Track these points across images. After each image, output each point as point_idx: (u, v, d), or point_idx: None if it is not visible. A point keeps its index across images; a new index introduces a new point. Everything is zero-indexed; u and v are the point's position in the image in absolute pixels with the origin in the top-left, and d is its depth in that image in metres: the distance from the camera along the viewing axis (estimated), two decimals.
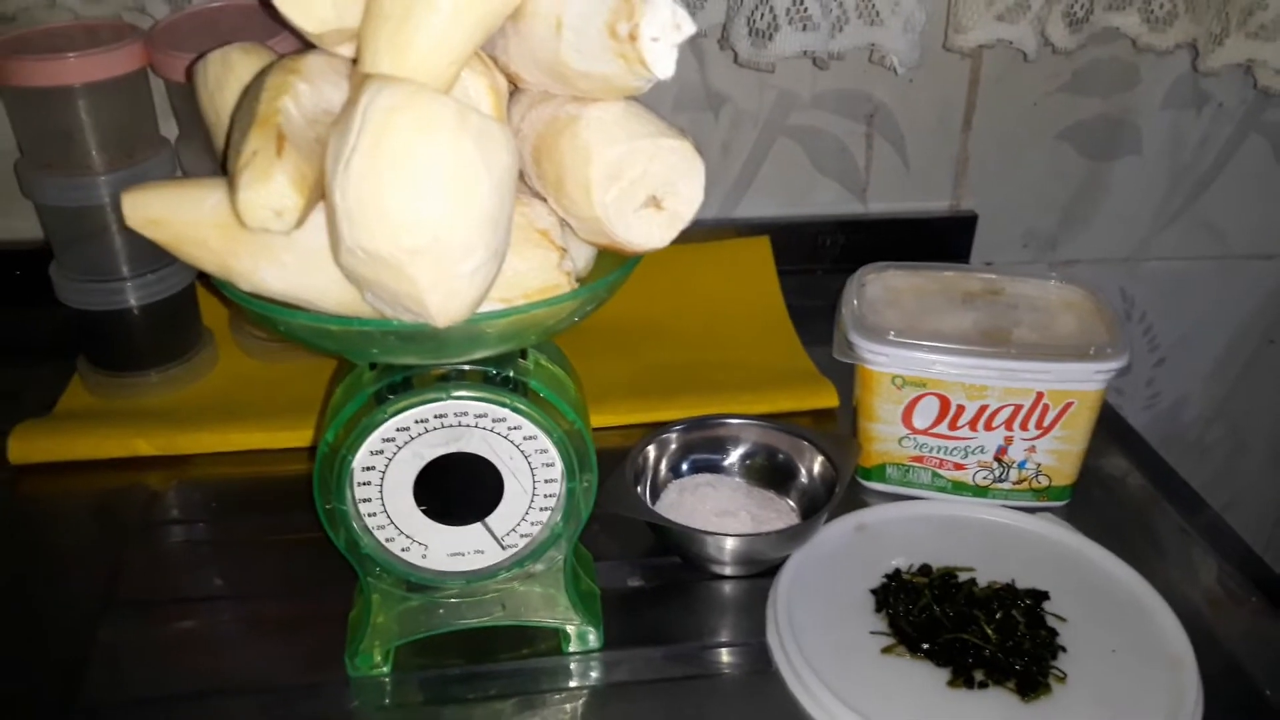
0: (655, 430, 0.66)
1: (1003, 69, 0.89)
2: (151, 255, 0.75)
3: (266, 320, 0.45)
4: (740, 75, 0.85)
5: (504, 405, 0.50)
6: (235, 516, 0.68)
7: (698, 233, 0.49)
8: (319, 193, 0.41)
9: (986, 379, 0.63)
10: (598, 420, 0.56)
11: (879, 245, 0.94)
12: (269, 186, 0.39)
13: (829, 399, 0.76)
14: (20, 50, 0.69)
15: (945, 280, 0.71)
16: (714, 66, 0.86)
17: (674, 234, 0.45)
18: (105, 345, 0.78)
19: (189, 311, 0.81)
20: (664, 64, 0.40)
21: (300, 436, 0.72)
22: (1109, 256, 0.99)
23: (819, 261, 0.94)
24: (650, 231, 0.45)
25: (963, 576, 0.59)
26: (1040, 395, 0.63)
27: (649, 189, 0.45)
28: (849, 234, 0.94)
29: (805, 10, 0.74)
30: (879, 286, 0.70)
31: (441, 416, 0.50)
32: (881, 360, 0.64)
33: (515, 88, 0.48)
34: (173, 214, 0.44)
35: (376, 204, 0.38)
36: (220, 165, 0.49)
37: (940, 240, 0.96)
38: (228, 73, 0.49)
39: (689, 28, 0.39)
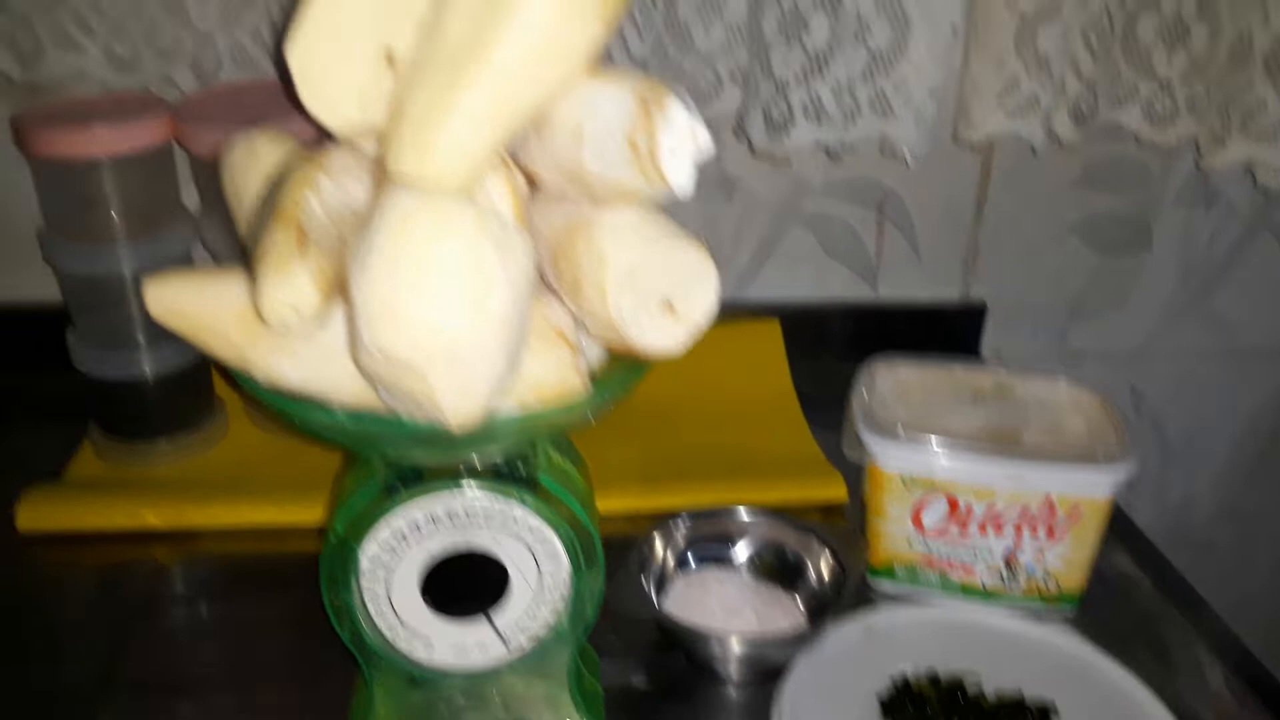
0: (662, 521, 0.66)
1: (1014, 162, 0.90)
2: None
3: (282, 415, 0.45)
4: (753, 161, 0.87)
5: (514, 501, 0.50)
6: (241, 595, 0.68)
7: None
8: (339, 290, 0.42)
9: (995, 481, 0.63)
10: (603, 505, 0.55)
11: (889, 331, 0.95)
12: (290, 284, 0.40)
13: (838, 491, 0.76)
14: (49, 120, 0.71)
15: (955, 377, 0.71)
16: (728, 151, 0.87)
17: (687, 339, 0.46)
18: (118, 413, 0.79)
19: (203, 381, 0.82)
20: (681, 178, 0.40)
21: (308, 512, 0.72)
22: (1118, 349, 1.00)
23: (829, 346, 0.94)
24: (664, 336, 0.46)
25: (971, 688, 0.59)
26: (1049, 499, 0.63)
27: (663, 294, 0.45)
28: (859, 320, 0.94)
29: (820, 103, 0.75)
30: (889, 380, 0.71)
31: (452, 512, 0.50)
32: (891, 459, 0.64)
33: (534, 185, 0.49)
34: (193, 305, 0.45)
35: (395, 306, 0.39)
36: (241, 249, 0.49)
37: (950, 328, 0.96)
38: (252, 158, 0.50)
39: (707, 145, 0.40)
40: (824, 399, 0.86)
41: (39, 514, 0.72)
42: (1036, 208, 0.93)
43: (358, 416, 0.44)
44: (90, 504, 0.73)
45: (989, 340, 0.97)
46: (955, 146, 0.87)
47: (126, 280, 0.74)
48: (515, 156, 0.47)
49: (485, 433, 0.45)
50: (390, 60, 0.43)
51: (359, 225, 0.43)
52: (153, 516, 0.72)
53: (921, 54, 0.76)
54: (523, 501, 0.50)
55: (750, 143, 0.79)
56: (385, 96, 0.43)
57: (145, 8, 0.75)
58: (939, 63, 0.77)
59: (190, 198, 0.79)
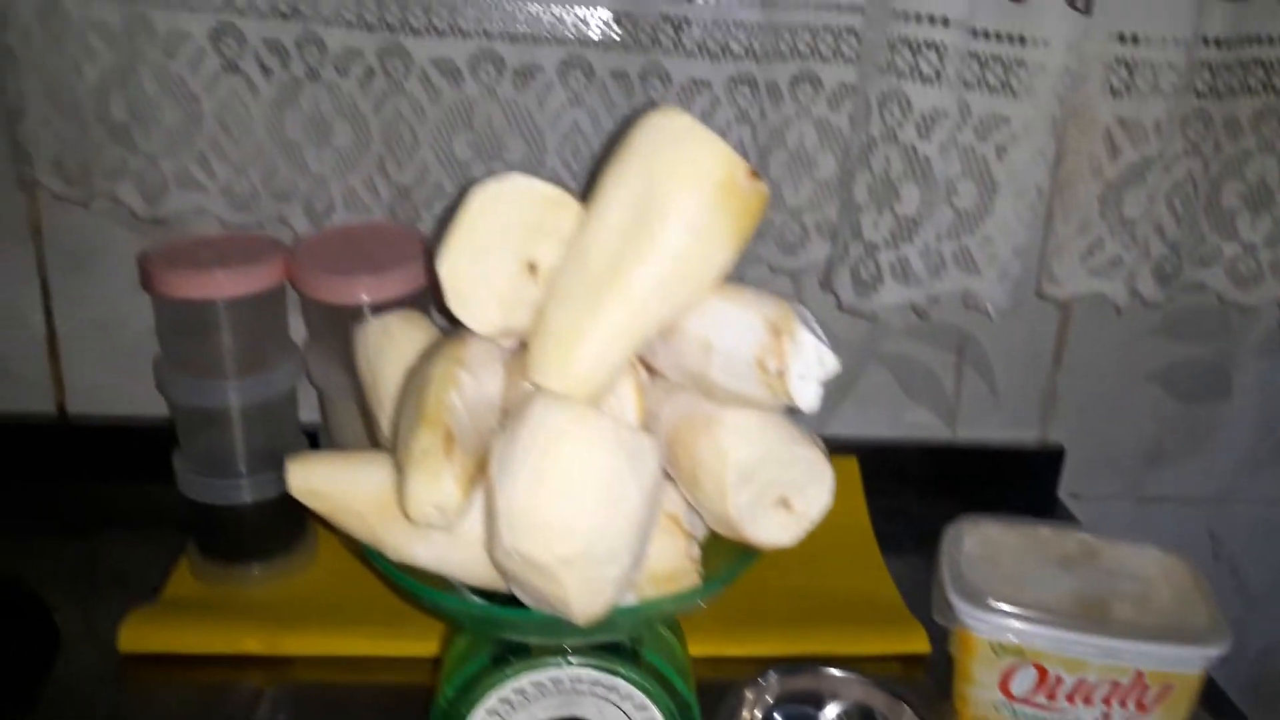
0: (750, 679, 0.67)
1: (1094, 311, 0.92)
2: (269, 456, 0.79)
3: (411, 596, 0.47)
4: (831, 300, 0.88)
5: (618, 675, 0.51)
6: None
7: None
8: (478, 484, 0.44)
9: (1086, 655, 0.63)
10: None
11: (967, 473, 0.95)
12: (437, 487, 0.42)
13: (919, 644, 0.76)
14: (171, 261, 0.74)
15: (1042, 539, 0.72)
16: (809, 295, 0.89)
17: (801, 534, 0.47)
18: (216, 536, 0.81)
19: (298, 508, 0.84)
20: (808, 399, 0.42)
21: (398, 645, 0.74)
22: (1197, 496, 1.00)
23: (907, 485, 0.95)
24: (778, 531, 0.47)
25: None
26: (1140, 675, 0.63)
27: (780, 491, 0.47)
28: (937, 460, 0.95)
29: (908, 264, 0.77)
30: (976, 540, 0.71)
31: (558, 682, 0.51)
32: (981, 626, 0.64)
33: (653, 373, 0.51)
34: (333, 487, 0.47)
35: (536, 513, 0.41)
36: (364, 416, 0.52)
37: (1027, 470, 0.97)
38: (387, 340, 0.53)
39: (833, 366, 0.42)
40: (901, 539, 0.87)
41: (141, 636, 0.74)
42: (1115, 354, 0.94)
43: (487, 607, 0.46)
44: (190, 627, 0.75)
45: (1066, 483, 0.97)
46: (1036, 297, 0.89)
47: (233, 413, 0.77)
48: (640, 354, 0.49)
49: (604, 624, 0.46)
50: (533, 270, 0.45)
51: (495, 416, 0.45)
52: (251, 642, 0.74)
53: (1007, 214, 0.78)
54: (626, 676, 0.51)
55: (838, 299, 0.81)
56: (525, 303, 0.46)
57: (265, 152, 0.80)
58: (1024, 223, 0.79)
59: (298, 332, 0.82)
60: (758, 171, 0.42)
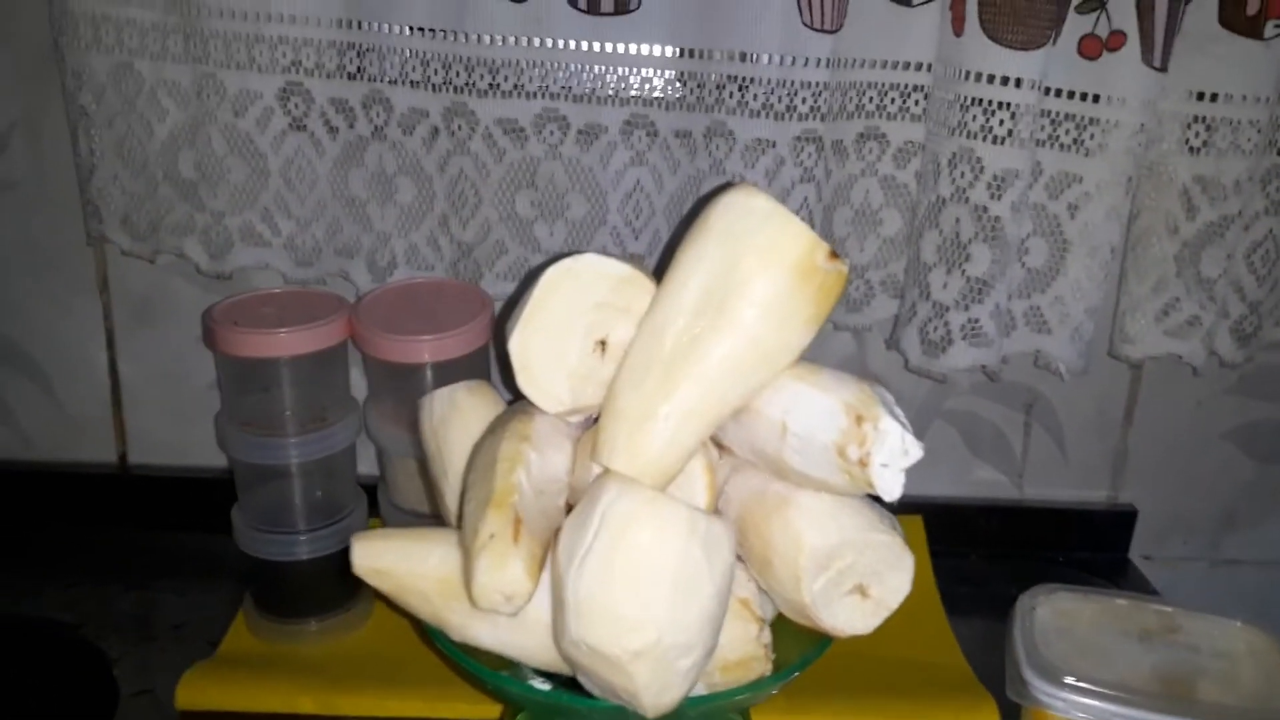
0: None
1: (1167, 370, 0.89)
2: (327, 511, 0.78)
3: (475, 680, 0.46)
4: (896, 359, 0.87)
5: None
6: None
7: None
8: (543, 565, 0.43)
9: None
10: None
11: (1034, 533, 0.93)
12: (505, 574, 0.41)
13: (989, 716, 0.73)
14: (235, 318, 0.75)
15: (1118, 611, 0.69)
16: (873, 353, 0.87)
17: (878, 622, 0.46)
18: (273, 592, 0.81)
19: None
20: (891, 487, 0.41)
21: (453, 708, 0.72)
22: (1274, 559, 0.96)
23: (973, 545, 0.93)
24: (854, 619, 0.46)
25: None
26: None
27: (856, 578, 0.46)
28: (1004, 519, 0.93)
29: (979, 325, 0.75)
30: (1049, 611, 0.69)
31: None
32: (1059, 705, 0.62)
33: (723, 450, 0.50)
34: (397, 566, 0.47)
35: (606, 603, 0.40)
36: (428, 485, 0.51)
37: (1097, 531, 0.94)
38: (453, 411, 0.52)
39: (917, 454, 0.41)
40: (968, 599, 0.85)
41: (198, 693, 0.74)
42: (1189, 413, 0.91)
43: (554, 694, 0.45)
44: (246, 685, 0.75)
45: (1138, 545, 0.94)
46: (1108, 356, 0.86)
47: (293, 469, 0.77)
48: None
49: (673, 715, 0.45)
50: (603, 347, 0.45)
51: (562, 495, 0.44)
52: (308, 702, 0.74)
53: (1079, 274, 0.77)
54: None
55: (905, 359, 0.79)
56: (594, 380, 0.45)
57: (328, 209, 0.80)
58: (1096, 282, 0.77)
59: (358, 386, 0.82)
60: (837, 252, 0.41)
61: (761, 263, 0.41)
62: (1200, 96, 0.74)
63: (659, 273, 0.46)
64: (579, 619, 0.40)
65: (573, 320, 0.44)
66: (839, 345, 0.87)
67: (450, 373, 0.72)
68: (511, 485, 0.44)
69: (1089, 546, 0.93)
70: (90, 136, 0.78)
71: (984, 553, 0.92)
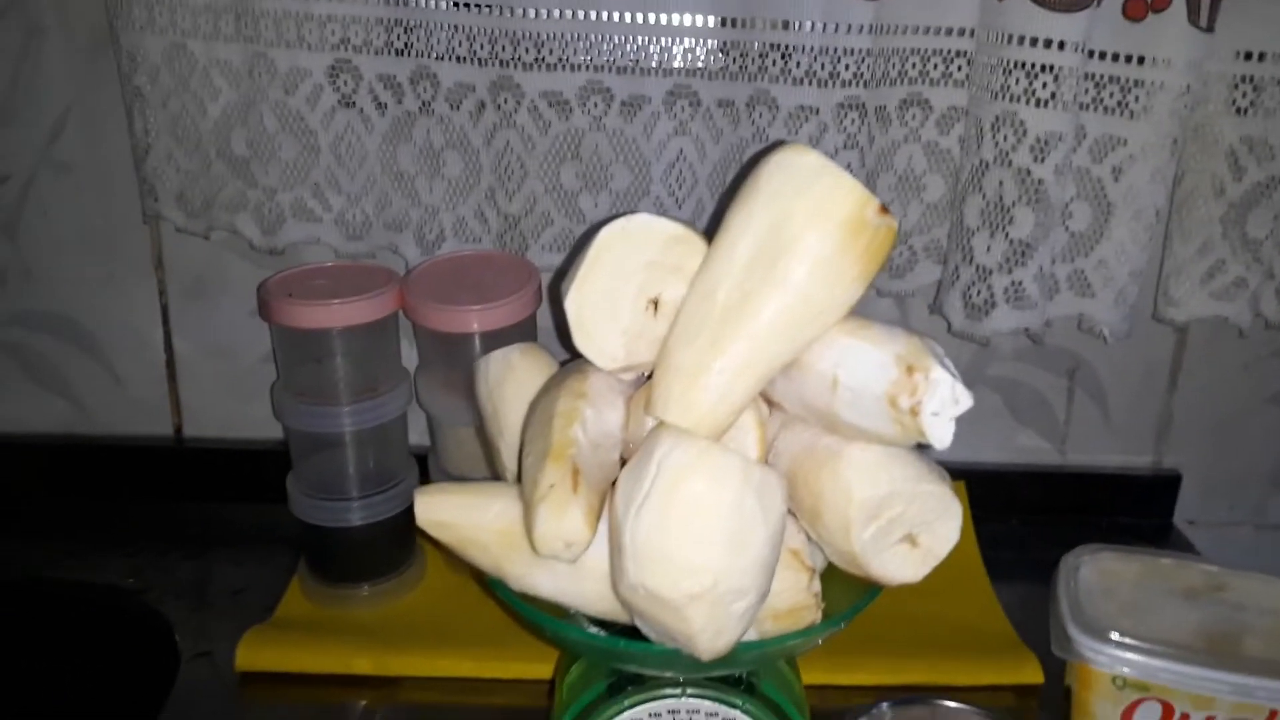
0: (862, 708, 0.66)
1: (1212, 333, 0.89)
2: (379, 479, 0.80)
3: (534, 627, 0.48)
4: (939, 324, 0.87)
5: (735, 707, 0.51)
6: None
7: None
8: (601, 515, 0.45)
9: (1216, 691, 0.61)
10: None
11: (1078, 499, 0.93)
12: (564, 522, 0.43)
13: (1033, 674, 0.74)
14: (288, 291, 0.77)
15: (1163, 570, 0.69)
16: (916, 318, 0.88)
17: (927, 570, 0.47)
18: (327, 557, 0.83)
19: (405, 529, 0.86)
20: (942, 435, 0.42)
21: (505, 668, 0.74)
22: None
23: (1015, 511, 0.93)
24: (903, 568, 0.47)
25: None
26: (1275, 715, 0.60)
27: (906, 528, 0.46)
28: (1047, 485, 0.93)
29: (1021, 288, 0.76)
30: (1093, 571, 0.70)
31: (674, 712, 0.51)
32: (1103, 660, 0.63)
33: (773, 406, 0.51)
34: (459, 519, 0.48)
35: (663, 549, 0.41)
36: (485, 445, 0.53)
37: (1141, 496, 0.94)
38: (509, 371, 0.54)
39: (968, 402, 0.42)
40: (1010, 564, 0.85)
41: (256, 655, 0.76)
42: (1234, 377, 0.91)
43: (612, 639, 0.46)
44: (302, 647, 0.77)
45: (1183, 510, 0.94)
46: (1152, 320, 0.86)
47: (346, 437, 0.79)
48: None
49: (726, 659, 0.46)
50: (656, 305, 0.46)
51: (616, 450, 0.46)
52: (363, 662, 0.76)
53: (1124, 237, 0.77)
54: (744, 709, 0.51)
55: (948, 323, 0.79)
56: (647, 338, 0.46)
57: (378, 184, 0.82)
58: (1141, 245, 0.77)
59: (408, 357, 0.84)
60: (887, 207, 0.42)
61: (812, 219, 0.41)
62: (1248, 56, 0.74)
63: (708, 236, 0.47)
64: (637, 563, 0.41)
65: (626, 279, 0.45)
66: (882, 311, 0.88)
67: (498, 342, 0.73)
68: (569, 439, 0.45)
69: (1133, 512, 0.93)
70: (145, 117, 0.80)
71: (1027, 518, 0.93)
